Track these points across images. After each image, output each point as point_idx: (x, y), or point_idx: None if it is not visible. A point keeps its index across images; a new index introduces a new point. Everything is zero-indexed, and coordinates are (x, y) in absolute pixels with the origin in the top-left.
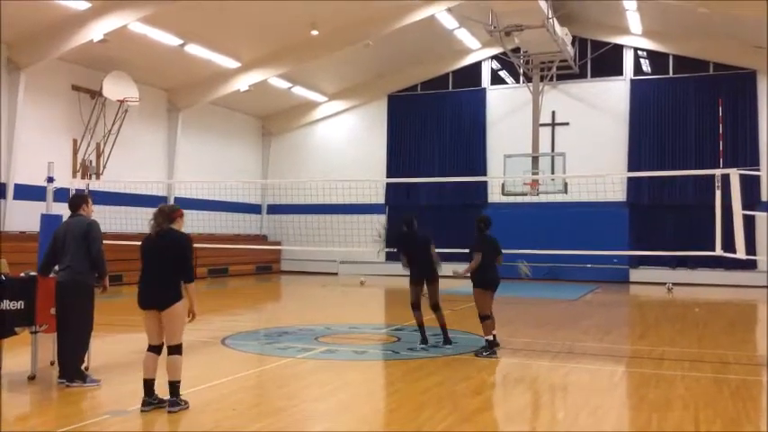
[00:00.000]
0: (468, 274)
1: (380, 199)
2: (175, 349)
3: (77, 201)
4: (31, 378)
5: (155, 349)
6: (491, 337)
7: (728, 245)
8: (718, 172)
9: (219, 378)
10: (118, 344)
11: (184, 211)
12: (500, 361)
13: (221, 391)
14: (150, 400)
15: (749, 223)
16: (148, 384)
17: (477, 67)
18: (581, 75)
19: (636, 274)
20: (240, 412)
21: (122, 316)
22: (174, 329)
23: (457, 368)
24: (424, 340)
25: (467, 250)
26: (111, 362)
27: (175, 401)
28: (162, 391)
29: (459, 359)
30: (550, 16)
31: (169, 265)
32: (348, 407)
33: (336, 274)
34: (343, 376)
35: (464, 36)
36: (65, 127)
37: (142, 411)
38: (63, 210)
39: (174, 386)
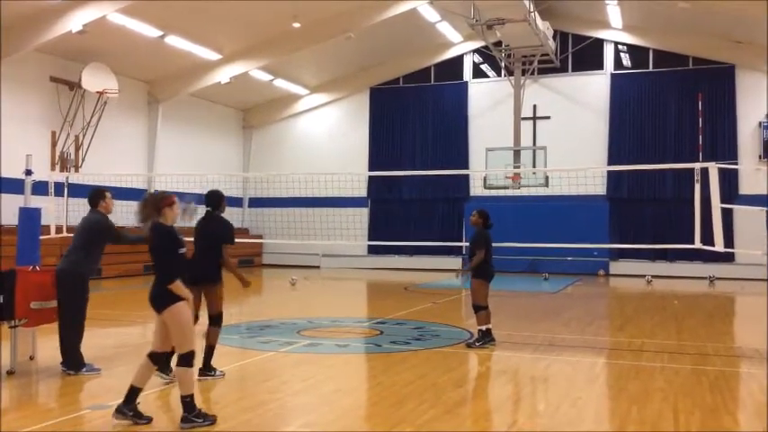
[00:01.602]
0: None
1: (363, 192)
2: (181, 359)
3: (94, 197)
4: (11, 373)
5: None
6: (484, 328)
7: (707, 238)
8: (697, 166)
9: None
10: (99, 338)
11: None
12: (482, 353)
13: (203, 385)
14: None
15: (727, 216)
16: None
17: (458, 60)
18: (562, 69)
19: (616, 267)
20: (222, 406)
21: (105, 310)
22: (174, 335)
23: (439, 361)
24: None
25: (449, 243)
26: (94, 355)
27: (186, 417)
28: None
29: (441, 352)
30: (532, 10)
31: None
32: (330, 400)
33: (318, 267)
34: (325, 370)
35: (446, 29)
36: (43, 119)
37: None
38: (41, 203)
39: (183, 401)
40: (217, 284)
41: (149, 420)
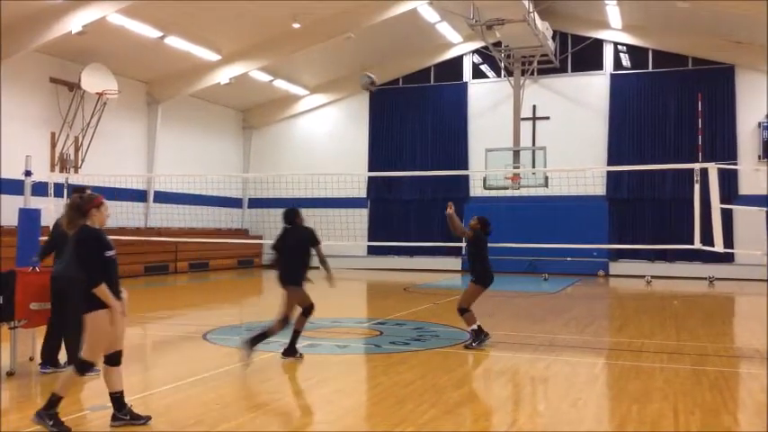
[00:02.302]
0: (456, 230)
1: (362, 193)
2: (80, 363)
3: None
4: (11, 374)
5: (108, 360)
6: (476, 326)
7: (706, 238)
8: (696, 166)
9: (201, 373)
10: None
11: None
12: (481, 354)
13: (203, 386)
14: (120, 415)
15: (727, 216)
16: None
17: (458, 61)
18: (561, 69)
19: (615, 268)
20: (223, 407)
21: None
22: (87, 339)
23: (439, 361)
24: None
25: (449, 244)
26: None
27: (42, 412)
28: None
29: (442, 352)
30: (531, 10)
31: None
32: (330, 401)
33: (318, 268)
34: (325, 370)
35: (446, 30)
36: (42, 120)
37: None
38: (41, 203)
39: (51, 396)
40: (297, 286)
41: (148, 419)
